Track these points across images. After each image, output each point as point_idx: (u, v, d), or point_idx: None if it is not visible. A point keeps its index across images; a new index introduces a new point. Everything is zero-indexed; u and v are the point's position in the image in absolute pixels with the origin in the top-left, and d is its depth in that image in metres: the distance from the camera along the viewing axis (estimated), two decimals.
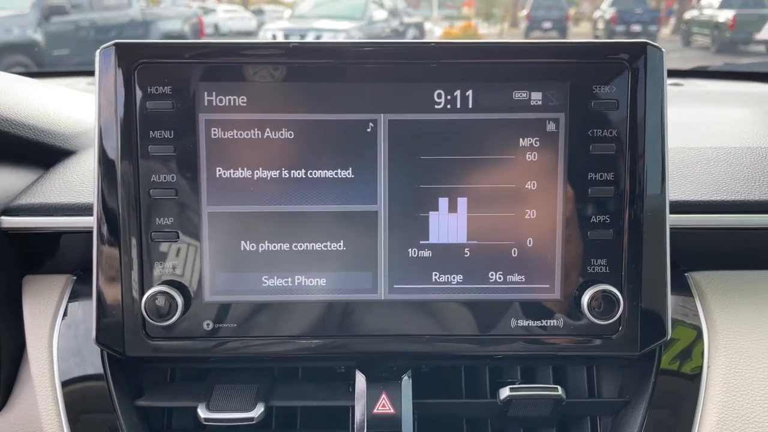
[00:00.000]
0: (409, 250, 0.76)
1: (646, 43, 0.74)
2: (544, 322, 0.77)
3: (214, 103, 0.74)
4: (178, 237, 0.75)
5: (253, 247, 0.76)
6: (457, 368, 0.87)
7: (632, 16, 16.12)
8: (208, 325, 0.77)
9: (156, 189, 0.74)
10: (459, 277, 0.76)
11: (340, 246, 0.76)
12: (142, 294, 0.75)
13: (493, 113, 0.74)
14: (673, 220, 0.77)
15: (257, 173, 0.75)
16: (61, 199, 0.86)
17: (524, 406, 0.79)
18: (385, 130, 0.74)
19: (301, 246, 0.76)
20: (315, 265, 0.76)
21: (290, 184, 0.75)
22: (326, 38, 11.00)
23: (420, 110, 0.74)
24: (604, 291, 0.74)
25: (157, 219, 0.75)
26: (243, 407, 0.78)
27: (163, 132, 0.74)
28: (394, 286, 0.77)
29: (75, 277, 0.89)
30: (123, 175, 0.74)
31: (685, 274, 0.89)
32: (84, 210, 0.84)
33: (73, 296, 0.87)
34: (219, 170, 0.75)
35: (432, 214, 0.76)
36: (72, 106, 1.04)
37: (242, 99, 0.74)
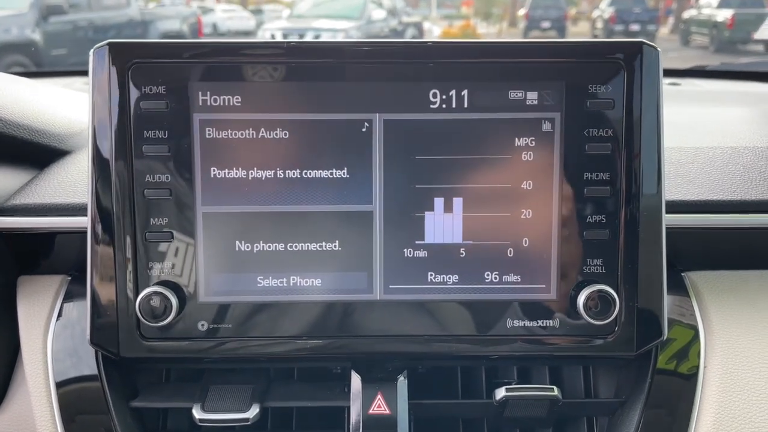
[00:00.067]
0: (405, 250, 0.76)
1: (642, 43, 0.74)
2: (540, 323, 0.76)
3: (208, 103, 0.73)
4: (173, 237, 0.75)
5: (248, 247, 0.76)
6: (453, 369, 0.87)
7: (631, 15, 16.13)
8: (203, 325, 0.76)
9: (150, 189, 0.74)
10: (455, 278, 0.76)
11: (335, 246, 0.76)
12: (136, 294, 0.74)
13: (488, 113, 0.74)
14: (669, 219, 0.77)
15: (252, 173, 0.75)
16: (56, 200, 0.86)
17: (520, 406, 0.79)
18: (381, 129, 0.74)
19: (296, 246, 0.76)
20: (310, 266, 0.76)
21: (285, 184, 0.75)
22: (325, 38, 10.98)
23: (415, 110, 0.74)
24: (600, 291, 0.74)
25: (151, 219, 0.75)
26: (238, 408, 0.78)
27: (157, 132, 0.74)
28: (390, 286, 0.76)
29: (70, 278, 0.88)
30: (117, 175, 0.74)
31: (682, 274, 0.89)
32: (78, 210, 0.84)
33: (68, 297, 0.86)
34: (214, 170, 0.74)
35: (427, 214, 0.75)
36: (67, 106, 1.04)
37: (237, 99, 0.74)
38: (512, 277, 0.76)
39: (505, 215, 0.75)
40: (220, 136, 0.74)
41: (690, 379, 0.81)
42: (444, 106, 0.74)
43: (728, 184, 0.88)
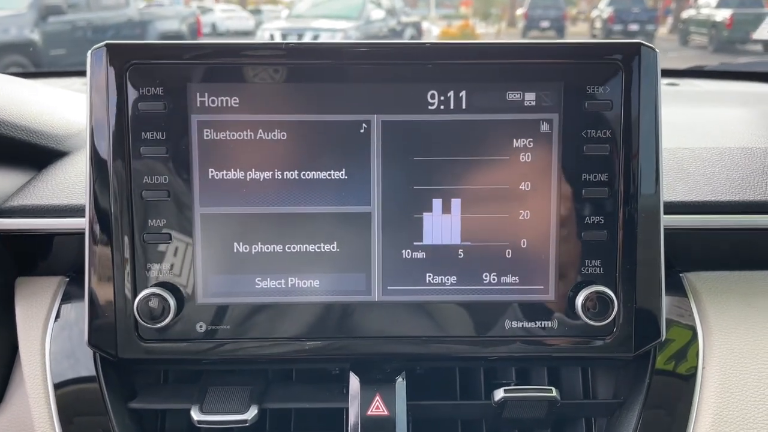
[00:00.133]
0: (403, 251, 0.76)
1: (640, 44, 0.74)
2: (538, 324, 0.76)
3: (206, 104, 0.73)
4: (171, 238, 0.75)
5: (246, 248, 0.76)
6: (451, 370, 0.87)
7: (629, 15, 16.13)
8: (201, 327, 0.76)
9: (148, 190, 0.74)
10: (453, 279, 0.76)
11: (333, 247, 0.76)
12: (134, 296, 0.74)
13: (486, 114, 0.74)
14: (667, 220, 0.77)
15: (250, 174, 0.75)
16: (54, 201, 0.86)
17: (519, 407, 0.79)
18: (379, 130, 0.74)
19: (294, 247, 0.76)
20: (308, 267, 0.76)
21: (283, 186, 0.75)
22: (324, 38, 10.99)
23: (413, 111, 0.74)
24: (598, 292, 0.74)
25: (149, 220, 0.75)
26: (236, 409, 0.77)
27: (155, 133, 0.73)
28: (388, 287, 0.76)
29: (68, 279, 0.88)
30: (115, 176, 0.74)
31: (680, 275, 0.89)
32: (76, 211, 0.84)
33: (66, 298, 0.86)
34: (212, 171, 0.74)
35: (426, 215, 0.75)
36: (65, 107, 1.04)
37: (234, 100, 0.74)
38: (510, 278, 0.76)
39: (504, 216, 0.75)
40: (218, 138, 0.74)
41: (688, 379, 0.81)
42: (442, 107, 0.74)
43: (727, 185, 0.88)
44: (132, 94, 0.73)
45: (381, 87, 0.74)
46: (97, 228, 0.74)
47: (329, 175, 0.75)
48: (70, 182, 0.89)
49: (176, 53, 0.73)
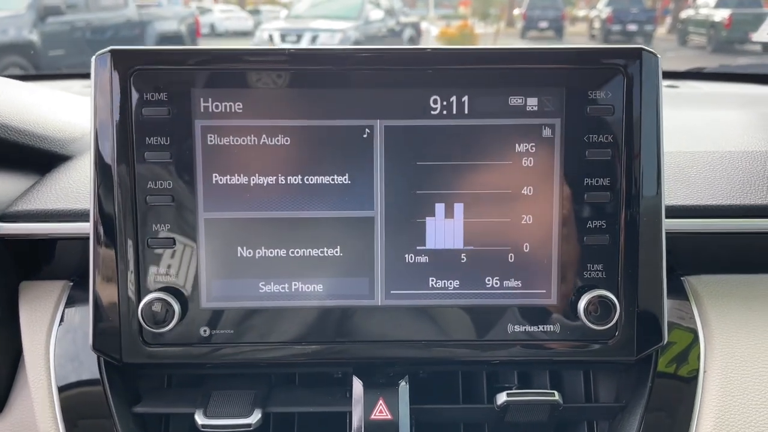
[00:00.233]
0: (406, 255, 0.76)
1: (642, 49, 0.74)
2: (540, 328, 0.77)
3: (210, 110, 0.74)
4: (175, 243, 0.75)
5: (249, 253, 0.76)
6: (454, 373, 0.87)
7: (628, 15, 16.13)
8: (204, 331, 0.76)
9: (152, 195, 0.74)
10: (456, 283, 0.77)
11: (336, 252, 0.76)
12: (138, 300, 0.75)
13: (488, 119, 0.74)
14: (668, 224, 0.77)
15: (254, 179, 0.75)
16: (58, 206, 0.86)
17: (521, 411, 0.79)
18: (381, 136, 0.74)
19: (297, 252, 0.76)
20: (312, 271, 0.76)
21: (287, 190, 0.75)
22: (323, 38, 10.99)
23: (416, 116, 0.74)
24: (600, 296, 0.74)
25: (153, 225, 0.75)
26: (240, 413, 0.78)
27: (159, 138, 0.74)
28: (391, 291, 0.77)
29: (72, 284, 0.88)
30: (119, 181, 0.74)
31: (681, 279, 0.89)
32: (80, 216, 0.84)
33: (70, 302, 0.86)
34: (215, 176, 0.75)
35: (428, 220, 0.76)
36: (67, 110, 1.04)
37: (238, 105, 0.74)
38: (513, 283, 0.77)
39: (506, 221, 0.76)
40: (222, 143, 0.74)
41: (690, 382, 0.81)
42: (444, 112, 0.74)
43: (727, 189, 0.89)
44: (136, 99, 0.73)
45: (384, 92, 0.74)
46: (101, 232, 0.75)
47: (332, 179, 0.75)
48: (73, 187, 0.89)
49: (180, 59, 0.73)
